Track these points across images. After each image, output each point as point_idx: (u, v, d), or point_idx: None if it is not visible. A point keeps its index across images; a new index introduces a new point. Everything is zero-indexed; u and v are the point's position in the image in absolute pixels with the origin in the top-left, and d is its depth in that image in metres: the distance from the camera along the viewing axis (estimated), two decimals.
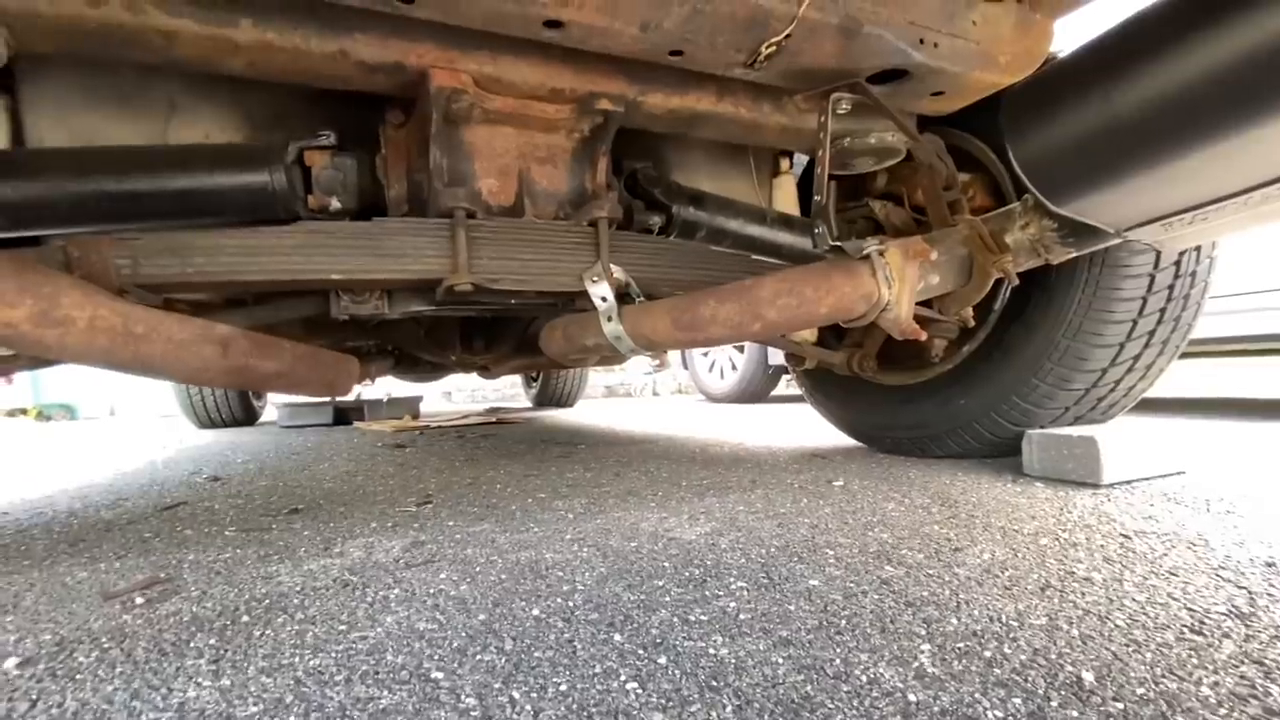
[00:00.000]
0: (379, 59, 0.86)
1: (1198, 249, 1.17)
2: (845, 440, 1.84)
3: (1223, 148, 0.54)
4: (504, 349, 1.83)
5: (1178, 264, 1.15)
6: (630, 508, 1.08)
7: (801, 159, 1.60)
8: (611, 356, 1.29)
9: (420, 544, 0.90)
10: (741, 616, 0.61)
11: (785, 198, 1.52)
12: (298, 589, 0.73)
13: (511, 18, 0.79)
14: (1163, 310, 1.18)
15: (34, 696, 0.49)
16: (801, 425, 2.48)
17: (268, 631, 0.61)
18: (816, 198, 0.94)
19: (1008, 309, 1.31)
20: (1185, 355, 2.66)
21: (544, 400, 4.74)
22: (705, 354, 5.02)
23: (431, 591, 0.70)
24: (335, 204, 1.01)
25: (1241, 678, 0.47)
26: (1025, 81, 0.75)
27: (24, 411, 6.94)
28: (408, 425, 3.23)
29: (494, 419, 3.55)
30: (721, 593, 0.67)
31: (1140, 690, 0.46)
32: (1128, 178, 0.62)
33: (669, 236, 1.29)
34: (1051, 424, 1.29)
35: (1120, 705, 0.44)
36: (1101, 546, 0.79)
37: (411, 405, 4.09)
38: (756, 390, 4.60)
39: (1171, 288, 1.17)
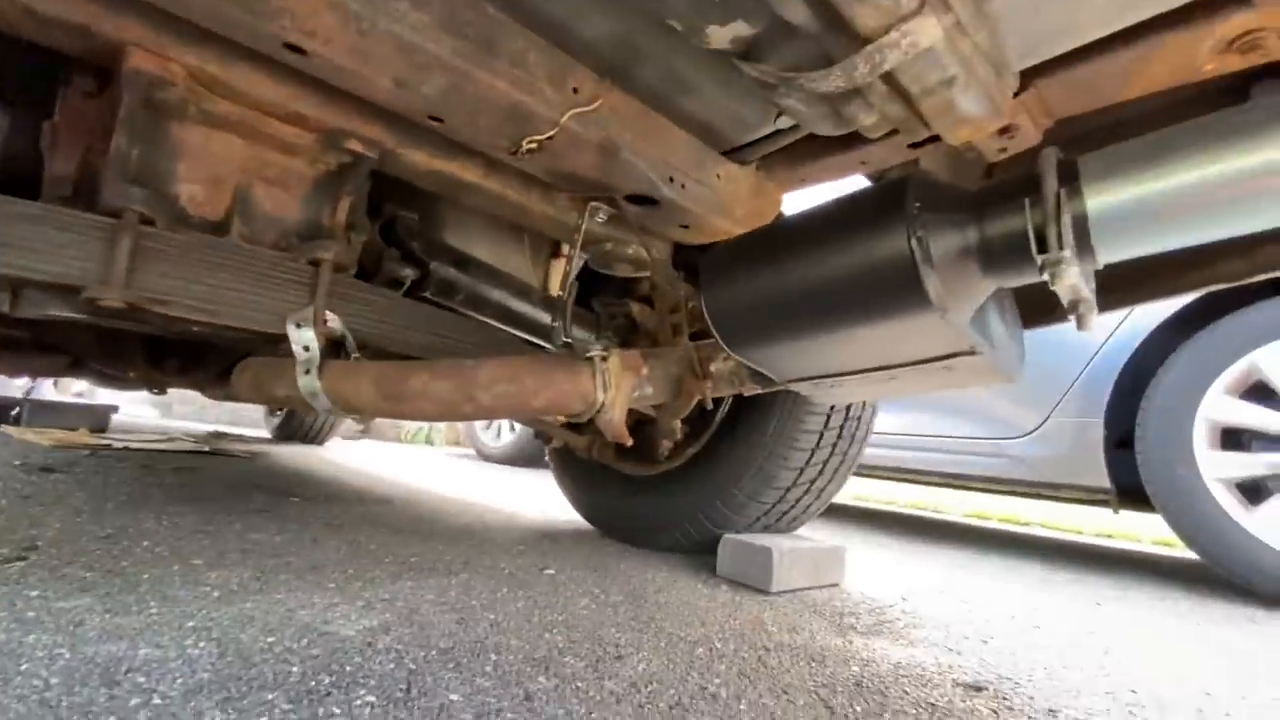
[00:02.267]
0: (57, 14, 0.70)
1: (864, 400, 1.43)
2: (582, 523, 1.86)
3: (826, 340, 0.67)
4: (203, 375, 1.56)
5: (848, 409, 1.40)
6: (301, 589, 0.94)
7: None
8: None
9: None
10: None
11: (560, 281, 1.56)
12: None
13: (241, 27, 0.71)
14: (834, 444, 1.41)
15: None
16: (558, 496, 2.48)
17: None
18: (560, 292, 0.97)
19: (724, 422, 1.46)
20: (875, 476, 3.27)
21: (287, 434, 4.13)
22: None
23: None
24: None
25: None
26: (716, 244, 0.87)
27: None
28: (77, 440, 2.56)
29: (209, 448, 2.98)
30: (338, 712, 0.59)
31: None
32: (774, 344, 0.73)
33: (424, 293, 1.22)
34: (745, 530, 1.44)
35: None
36: (742, 659, 0.87)
37: (98, 415, 3.29)
38: (532, 454, 4.55)
39: (843, 427, 1.41)
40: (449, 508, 1.99)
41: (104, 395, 4.66)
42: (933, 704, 0.80)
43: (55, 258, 0.73)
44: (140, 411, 5.75)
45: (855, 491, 5.80)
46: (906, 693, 0.82)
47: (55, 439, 2.53)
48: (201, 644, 0.70)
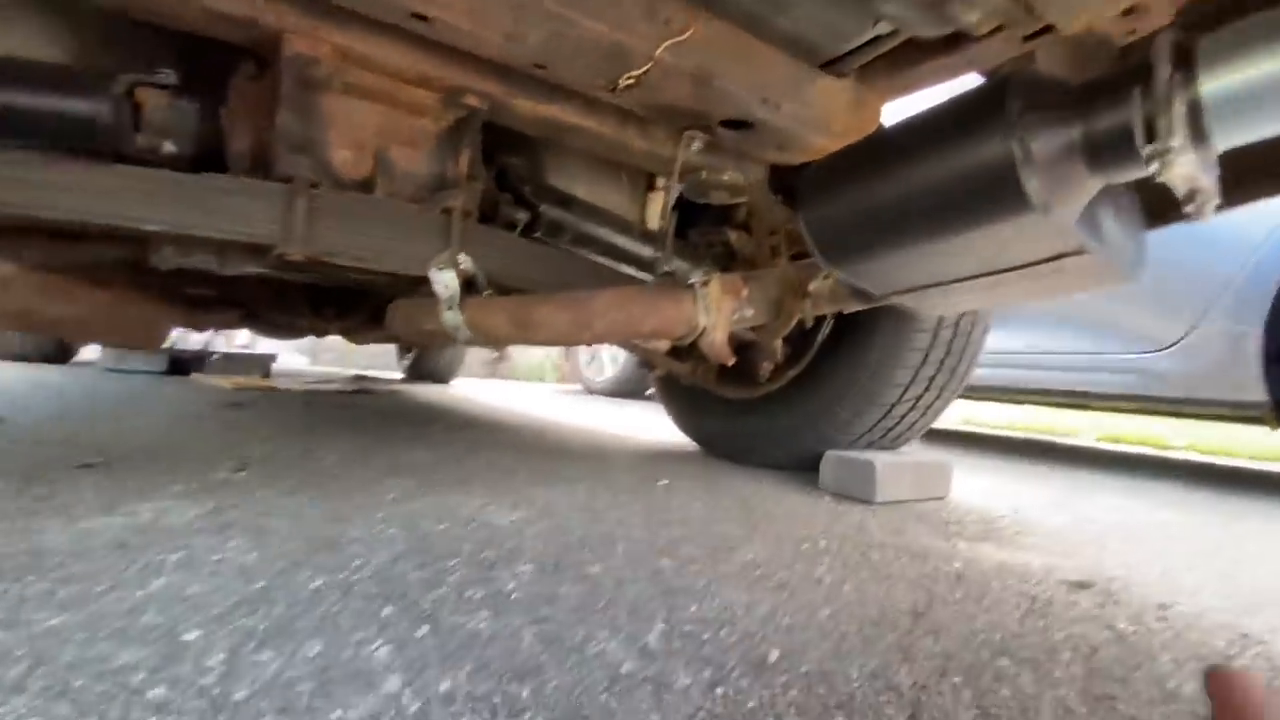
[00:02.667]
0: (229, 11, 0.83)
1: (974, 314, 1.40)
2: (688, 443, 1.98)
3: (926, 248, 0.68)
4: (356, 320, 1.78)
5: (956, 324, 1.38)
6: (457, 493, 1.11)
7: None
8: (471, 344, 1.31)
9: (220, 511, 0.89)
10: (515, 596, 0.67)
11: (657, 214, 1.61)
12: (63, 549, 0.70)
13: (377, 2, 0.80)
14: (942, 361, 1.40)
15: None
16: (663, 424, 2.62)
17: (14, 588, 0.59)
18: (660, 221, 1.03)
19: (826, 343, 1.49)
20: (987, 398, 3.14)
21: (418, 374, 4.58)
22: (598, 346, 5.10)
23: (215, 558, 0.70)
24: (169, 148, 0.95)
25: (883, 661, 0.61)
26: (814, 162, 0.88)
27: None
28: (253, 384, 3.00)
29: (355, 388, 3.40)
30: (506, 575, 0.73)
31: (805, 667, 0.58)
32: (873, 256, 0.75)
33: (534, 235, 1.33)
34: (849, 447, 1.49)
35: (785, 678, 0.55)
36: (845, 554, 0.95)
37: (263, 363, 3.81)
38: (634, 387, 4.75)
39: (951, 343, 1.39)
40: (567, 433, 2.18)
41: (263, 345, 5.35)
42: (1033, 596, 0.83)
43: (250, 221, 0.89)
44: (292, 359, 6.54)
45: (968, 415, 5.56)
46: (1008, 585, 0.87)
47: (235, 383, 2.99)
48: (391, 529, 0.87)
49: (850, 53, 1.10)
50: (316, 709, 0.44)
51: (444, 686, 0.49)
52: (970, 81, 1.12)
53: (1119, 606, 0.82)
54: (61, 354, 3.46)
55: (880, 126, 1.20)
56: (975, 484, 1.79)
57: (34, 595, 0.58)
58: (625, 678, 0.53)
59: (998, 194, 0.62)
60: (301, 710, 0.44)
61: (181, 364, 3.38)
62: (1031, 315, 2.68)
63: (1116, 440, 4.11)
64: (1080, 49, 0.93)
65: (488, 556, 0.79)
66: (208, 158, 1.00)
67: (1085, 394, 2.58)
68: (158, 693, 0.44)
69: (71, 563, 0.66)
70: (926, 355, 1.37)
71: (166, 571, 0.65)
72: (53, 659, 0.47)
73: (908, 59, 1.10)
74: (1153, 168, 0.52)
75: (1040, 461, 2.59)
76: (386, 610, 0.61)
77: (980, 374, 2.79)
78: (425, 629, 0.58)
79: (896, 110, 1.37)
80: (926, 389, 1.43)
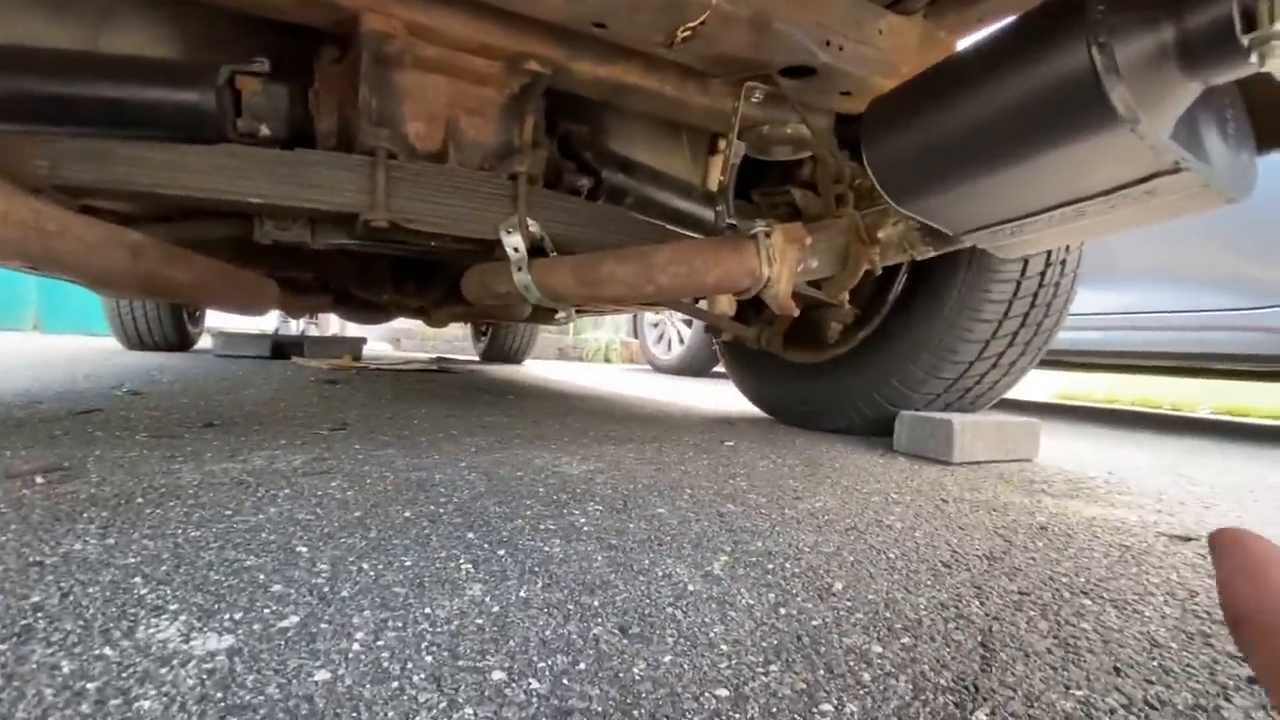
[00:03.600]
0: None
1: (1062, 263, 1.31)
2: (755, 411, 1.97)
3: (1004, 176, 0.65)
4: (435, 293, 1.88)
5: (1042, 274, 1.29)
6: (531, 448, 1.17)
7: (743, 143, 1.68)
8: (543, 313, 1.37)
9: (322, 459, 0.97)
10: (585, 529, 0.71)
11: (718, 176, 1.60)
12: (195, 483, 0.79)
13: None
14: (1026, 314, 1.33)
15: None
16: (729, 397, 2.62)
17: (158, 511, 0.67)
18: (720, 178, 1.03)
19: (898, 301, 1.44)
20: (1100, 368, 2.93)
21: (492, 355, 4.77)
22: (655, 325, 5.12)
23: (319, 494, 0.78)
24: (265, 130, 1.04)
25: (954, 594, 0.60)
26: (878, 96, 0.85)
27: None
28: (345, 364, 3.23)
29: (436, 367, 3.58)
30: (577, 512, 0.77)
31: (870, 596, 0.58)
32: (950, 189, 0.72)
33: (598, 199, 1.36)
34: (924, 408, 1.44)
35: (849, 603, 0.56)
36: (919, 506, 0.93)
37: (354, 346, 4.06)
38: (701, 364, 4.74)
39: (1036, 294, 1.31)
40: (635, 401, 2.22)
41: (351, 331, 5.72)
42: (1126, 546, 0.79)
43: (338, 192, 0.96)
44: (378, 346, 6.95)
45: (1064, 389, 5.20)
46: (1097, 536, 0.82)
47: (330, 364, 3.22)
48: (472, 475, 0.93)
49: None
50: (410, 605, 0.49)
51: (521, 593, 0.52)
52: None
53: None
54: (181, 342, 3.84)
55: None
56: (1067, 447, 1.69)
57: (175, 516, 0.66)
58: (691, 594, 0.55)
59: (1080, 107, 0.58)
60: (398, 606, 0.49)
61: (282, 349, 3.67)
62: (1135, 270, 2.47)
63: (1238, 413, 3.74)
64: None
65: (560, 498, 0.83)
66: (298, 137, 1.09)
67: (1201, 355, 2.36)
68: (277, 588, 0.50)
69: (202, 494, 0.75)
70: (1008, 308, 1.30)
71: (279, 503, 0.73)
72: (192, 561, 0.55)
73: None
74: (1253, 59, 0.48)
75: (1146, 430, 2.40)
76: (469, 535, 0.66)
77: (1076, 337, 2.60)
78: (503, 551, 0.62)
79: None
80: (1009, 345, 1.36)
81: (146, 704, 0.35)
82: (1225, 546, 0.19)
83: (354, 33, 0.94)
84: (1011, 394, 4.22)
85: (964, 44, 1.17)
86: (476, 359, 5.01)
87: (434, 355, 5.42)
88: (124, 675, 0.37)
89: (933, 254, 0.99)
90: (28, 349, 3.49)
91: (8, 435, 1.02)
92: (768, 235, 0.96)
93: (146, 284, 0.86)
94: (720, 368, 5.09)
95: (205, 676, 0.38)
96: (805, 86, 1.09)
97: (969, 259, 1.27)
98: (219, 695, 0.36)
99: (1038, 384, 5.10)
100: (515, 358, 4.73)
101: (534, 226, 1.06)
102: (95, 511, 0.66)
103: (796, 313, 1.02)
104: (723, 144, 1.60)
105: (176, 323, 3.59)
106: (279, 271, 1.73)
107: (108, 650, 0.40)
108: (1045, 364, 3.04)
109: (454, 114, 1.07)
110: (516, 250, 1.04)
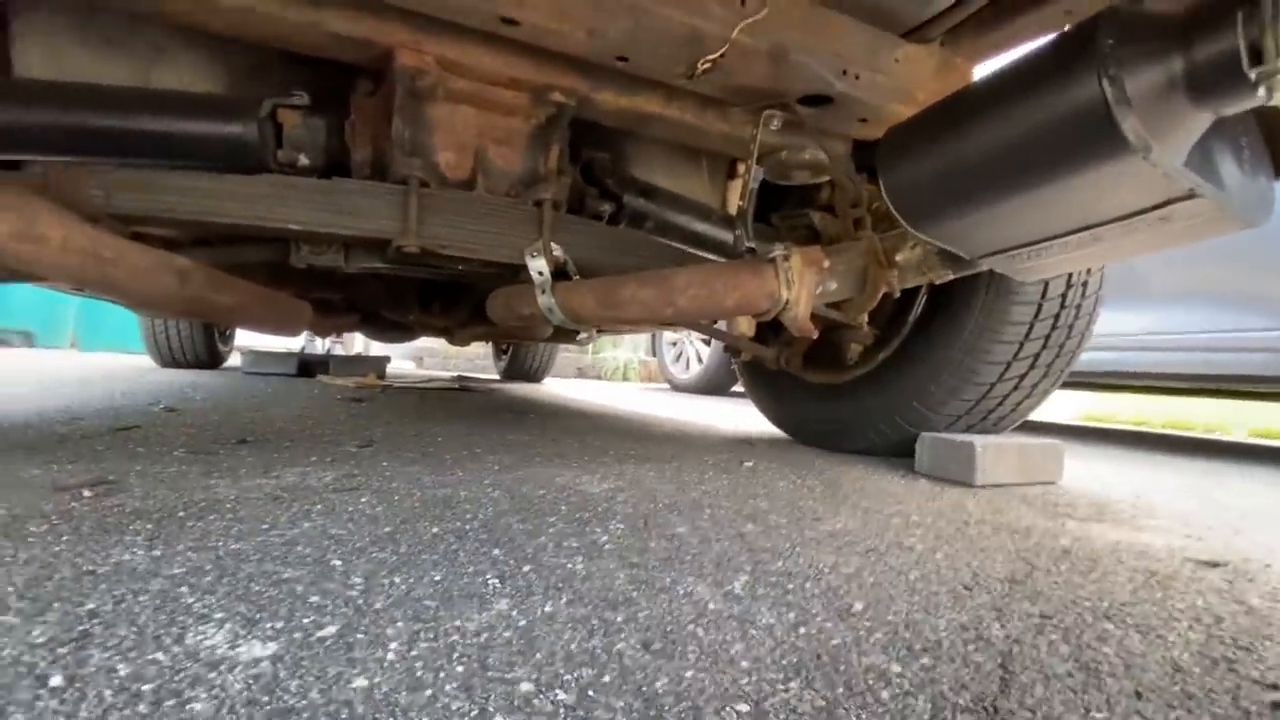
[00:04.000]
0: (350, 33, 0.94)
1: (1084, 285, 1.31)
2: (774, 431, 1.97)
3: (1018, 203, 0.66)
4: (460, 314, 1.93)
5: (1063, 296, 1.29)
6: (553, 466, 1.19)
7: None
8: (564, 333, 1.39)
9: (351, 475, 1.00)
10: (608, 547, 0.72)
11: (737, 199, 1.63)
12: (233, 498, 0.82)
13: (472, 11, 0.88)
14: (1047, 337, 1.32)
15: None
16: (748, 416, 2.62)
17: (200, 524, 0.70)
18: (740, 203, 1.05)
19: (917, 324, 1.44)
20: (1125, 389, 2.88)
21: (513, 374, 4.82)
22: (673, 344, 5.14)
23: (350, 510, 0.80)
24: (303, 160, 1.09)
25: (974, 616, 0.60)
26: (894, 125, 0.87)
27: None
28: (370, 382, 3.29)
29: (458, 385, 3.63)
30: (599, 530, 0.78)
31: (890, 617, 0.58)
32: (965, 215, 0.74)
33: (619, 224, 1.39)
34: (946, 430, 1.43)
35: (869, 624, 0.56)
36: (939, 528, 0.92)
37: (378, 364, 4.14)
38: (719, 383, 4.74)
39: (1057, 317, 1.31)
40: (654, 421, 2.23)
41: (375, 350, 5.83)
42: (1151, 571, 0.78)
43: (373, 218, 1.01)
44: (401, 364, 7.06)
45: (1090, 410, 5.11)
46: (1122, 560, 0.82)
47: (355, 382, 3.28)
48: (496, 493, 0.95)
49: (934, 18, 1.08)
50: (441, 618, 0.51)
51: (547, 609, 0.54)
52: None
53: (1252, 584, 0.75)
54: (212, 360, 3.95)
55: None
56: (1092, 470, 1.66)
57: (215, 529, 0.69)
58: (712, 613, 0.56)
59: (1092, 137, 0.60)
60: (429, 618, 0.51)
61: (309, 366, 3.76)
62: (1161, 291, 2.44)
63: (1268, 436, 3.63)
64: None
65: (582, 516, 0.84)
66: (334, 166, 1.14)
67: (1229, 378, 2.31)
68: (315, 599, 0.53)
69: (240, 508, 0.78)
70: (1029, 330, 1.30)
71: (312, 518, 0.76)
72: (234, 572, 0.57)
73: (999, 15, 1.07)
74: (1260, 93, 0.49)
75: (1174, 453, 2.35)
76: (495, 551, 0.68)
77: (1102, 358, 2.56)
78: (528, 567, 0.64)
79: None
80: (1031, 366, 1.35)
81: (199, 706, 0.37)
82: None
83: (388, 67, 0.99)
84: (1035, 415, 4.15)
85: (980, 70, 1.20)
86: (497, 378, 5.07)
87: (455, 374, 5.49)
88: (176, 679, 0.40)
89: (951, 277, 1.00)
90: (66, 366, 3.62)
91: (53, 450, 1.06)
92: (786, 259, 0.98)
93: (191, 307, 0.91)
94: (739, 387, 5.09)
95: (252, 681, 0.40)
96: (822, 114, 1.11)
97: (988, 281, 1.28)
98: (265, 699, 0.38)
99: (1062, 405, 5.01)
100: (535, 376, 4.78)
101: (558, 251, 1.09)
102: (140, 524, 0.69)
103: (815, 335, 1.03)
104: (742, 168, 1.64)
105: (208, 341, 3.70)
106: (310, 293, 1.79)
107: (160, 655, 0.42)
108: (1077, 385, 3.00)
109: (482, 144, 1.11)
110: (541, 274, 1.07)
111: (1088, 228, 0.72)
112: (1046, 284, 1.27)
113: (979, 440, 1.28)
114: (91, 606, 0.49)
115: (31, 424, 1.33)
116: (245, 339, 4.75)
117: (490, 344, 4.99)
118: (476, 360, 6.88)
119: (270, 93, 1.08)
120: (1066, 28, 1.08)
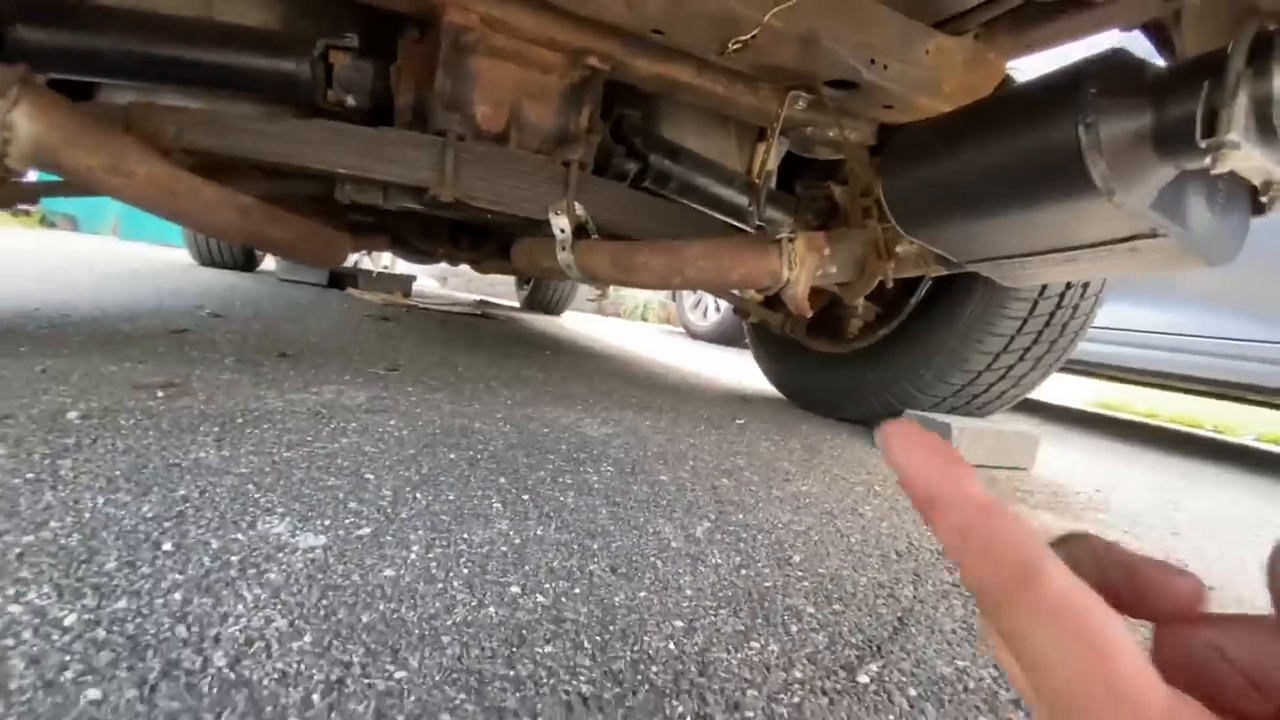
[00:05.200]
0: None
1: (1084, 285, 1.36)
2: (772, 391, 2.07)
3: (999, 222, 0.73)
4: (486, 252, 2.01)
5: (1060, 296, 1.34)
6: (559, 406, 1.31)
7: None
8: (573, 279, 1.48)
9: (380, 398, 1.13)
10: (596, 486, 0.84)
11: (760, 165, 1.66)
12: (280, 410, 0.95)
13: None
14: (1040, 332, 1.38)
15: (94, 436, 0.72)
16: (752, 373, 2.71)
17: (256, 431, 0.83)
18: (756, 180, 1.11)
19: (919, 306, 1.50)
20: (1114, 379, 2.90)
21: (533, 304, 4.92)
22: (693, 290, 5.19)
23: (380, 430, 0.93)
24: (350, 101, 1.16)
25: (893, 577, 0.71)
26: (899, 131, 0.91)
27: (27, 213, 7.03)
28: (397, 301, 3.42)
29: (479, 311, 3.75)
30: (591, 471, 0.90)
31: (821, 570, 0.70)
32: (953, 225, 0.80)
33: (644, 183, 1.45)
34: (931, 409, 1.52)
35: (801, 573, 0.68)
36: (896, 499, 1.03)
37: (404, 283, 4.26)
38: (734, 333, 4.81)
39: (1052, 315, 1.37)
40: (661, 369, 2.34)
41: (401, 267, 5.94)
42: None
43: (413, 168, 1.09)
44: (426, 282, 7.20)
45: (1101, 398, 5.11)
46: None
47: (383, 299, 3.42)
48: (507, 428, 1.07)
49: (970, 10, 1.09)
50: (452, 530, 0.63)
51: (538, 531, 0.66)
52: (1105, 40, 1.07)
53: None
54: (248, 264, 4.10)
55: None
56: (1067, 460, 1.75)
57: (269, 437, 0.82)
58: (673, 550, 0.68)
59: (1063, 175, 0.66)
60: (444, 529, 0.63)
61: (339, 279, 3.90)
62: (1182, 293, 2.43)
63: (1276, 441, 3.65)
64: (1223, 11, 0.88)
65: (579, 456, 0.96)
66: (378, 109, 1.20)
67: (1238, 385, 2.34)
68: (353, 505, 0.65)
69: (288, 419, 0.91)
70: (1023, 325, 1.36)
71: (349, 435, 0.89)
72: (288, 476, 0.70)
73: (1037, 14, 1.07)
74: (1207, 161, 0.55)
75: (1168, 450, 2.42)
76: (501, 480, 0.80)
77: (1112, 351, 2.59)
78: (527, 496, 0.76)
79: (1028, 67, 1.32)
80: (1020, 359, 1.42)
81: (273, 575, 0.50)
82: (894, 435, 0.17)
83: (435, 20, 1.04)
84: (1045, 398, 4.18)
85: (1011, 67, 1.21)
86: (517, 305, 5.18)
87: (477, 298, 5.61)
88: (254, 555, 0.52)
89: (944, 273, 1.07)
90: (112, 257, 3.80)
91: (123, 349, 1.20)
92: (791, 240, 1.05)
93: (249, 238, 1.01)
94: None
95: (310, 563, 0.52)
96: (848, 98, 1.15)
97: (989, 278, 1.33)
98: (320, 576, 0.51)
99: (1075, 389, 5.02)
100: (555, 309, 4.88)
101: (580, 210, 1.16)
102: (208, 427, 0.82)
103: (810, 313, 1.11)
104: (769, 134, 1.66)
105: (245, 246, 3.84)
106: (349, 216, 1.88)
107: (240, 535, 0.55)
108: (1101, 375, 3.02)
109: (518, 99, 1.16)
110: (563, 231, 1.15)
111: (1062, 250, 0.79)
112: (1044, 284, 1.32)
113: (956, 422, 1.36)
114: (183, 493, 0.62)
115: (98, 320, 1.47)
116: None
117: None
118: (498, 284, 6.98)
119: (320, 32, 1.14)
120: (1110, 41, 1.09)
